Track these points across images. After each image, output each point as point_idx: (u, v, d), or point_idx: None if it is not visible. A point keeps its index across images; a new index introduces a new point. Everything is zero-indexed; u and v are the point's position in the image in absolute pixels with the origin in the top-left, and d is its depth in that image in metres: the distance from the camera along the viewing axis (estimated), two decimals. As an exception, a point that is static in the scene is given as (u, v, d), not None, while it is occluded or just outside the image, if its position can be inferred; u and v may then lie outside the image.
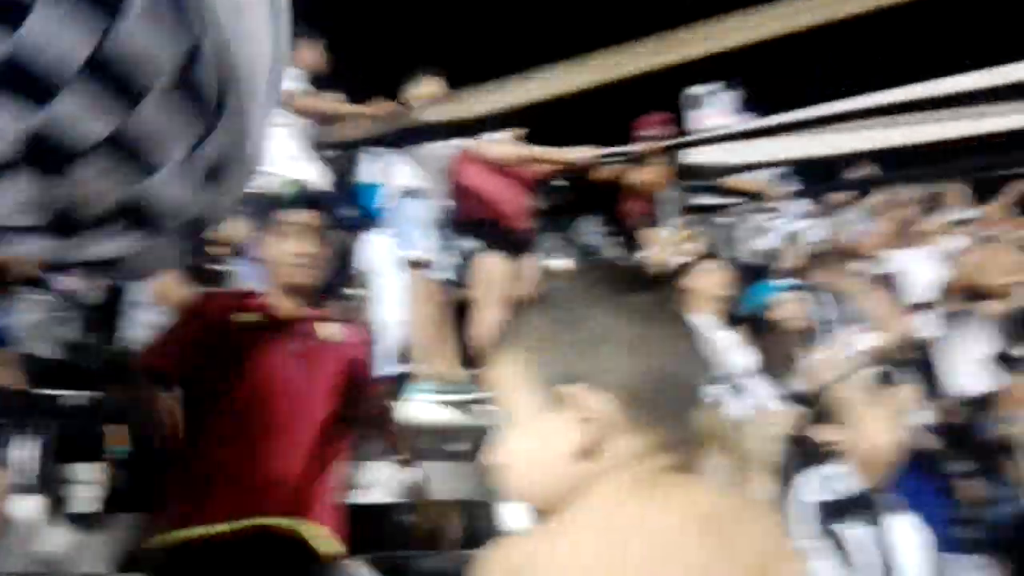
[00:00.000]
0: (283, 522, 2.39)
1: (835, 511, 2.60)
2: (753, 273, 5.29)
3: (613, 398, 0.89)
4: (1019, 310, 5.40)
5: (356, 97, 4.38)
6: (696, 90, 5.74)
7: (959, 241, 6.19)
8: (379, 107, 4.26)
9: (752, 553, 0.85)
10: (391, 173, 4.31)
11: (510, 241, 4.36)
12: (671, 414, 0.90)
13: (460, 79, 3.71)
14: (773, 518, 0.91)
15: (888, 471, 2.62)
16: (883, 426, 2.63)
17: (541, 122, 3.95)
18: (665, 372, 0.89)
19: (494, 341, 0.98)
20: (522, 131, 4.50)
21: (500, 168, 4.39)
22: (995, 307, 5.78)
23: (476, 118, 3.05)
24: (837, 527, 2.58)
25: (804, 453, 2.79)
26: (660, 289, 0.94)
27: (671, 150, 4.52)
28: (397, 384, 4.03)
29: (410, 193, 4.24)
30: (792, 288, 4.67)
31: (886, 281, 6.21)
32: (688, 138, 4.43)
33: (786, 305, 4.50)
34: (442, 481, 3.41)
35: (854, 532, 2.58)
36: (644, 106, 5.34)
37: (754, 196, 5.50)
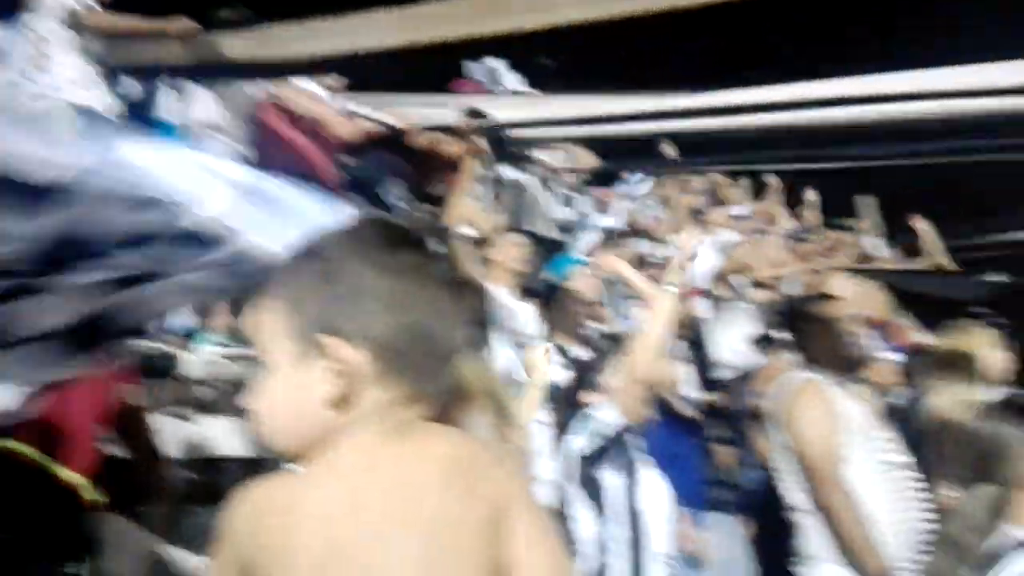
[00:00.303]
0: (28, 450, 2.23)
1: (594, 460, 2.80)
2: (552, 246, 5.48)
3: (367, 351, 0.90)
4: (781, 300, 6.01)
5: (155, 15, 3.99)
6: (495, 63, 5.80)
7: (732, 234, 6.76)
8: (181, 27, 3.89)
9: (491, 498, 0.90)
10: (190, 106, 3.99)
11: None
12: (424, 369, 0.93)
13: (267, 11, 3.48)
14: (514, 466, 0.98)
15: (646, 411, 2.88)
16: (649, 359, 2.88)
17: (355, 72, 3.83)
18: (421, 329, 0.92)
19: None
20: (337, 81, 4.32)
21: (302, 122, 4.22)
22: (761, 295, 6.40)
23: (285, 61, 2.89)
24: (596, 476, 2.79)
25: (574, 411, 2.98)
26: (426, 248, 0.97)
27: (482, 121, 4.53)
28: (187, 337, 3.83)
29: (209, 129, 3.95)
30: (587, 263, 4.89)
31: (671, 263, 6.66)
32: (503, 114, 4.44)
33: (580, 279, 4.72)
34: (225, 437, 3.29)
35: (612, 482, 2.80)
36: (460, 69, 5.39)
37: (557, 171, 5.68)
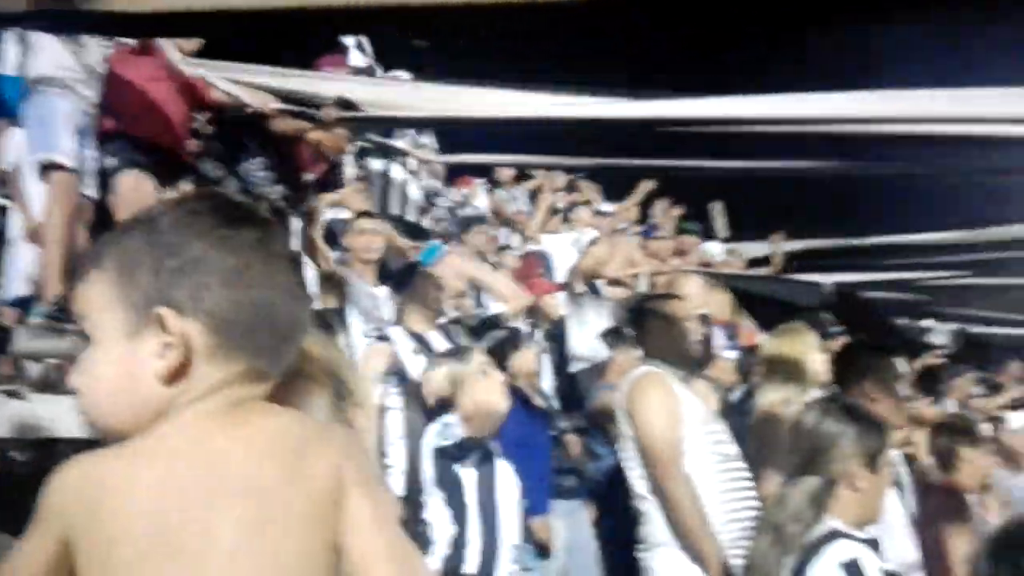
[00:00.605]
0: None
1: (450, 456, 2.84)
2: (416, 232, 5.46)
3: (202, 325, 0.88)
4: (631, 297, 6.25)
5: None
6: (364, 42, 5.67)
7: (590, 232, 6.96)
8: None
9: (323, 479, 0.88)
10: (33, 59, 3.65)
11: (163, 164, 3.91)
12: (263, 347, 0.91)
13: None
14: (352, 447, 0.94)
15: (493, 425, 2.92)
16: (491, 390, 2.92)
17: (213, 34, 3.61)
18: (260, 305, 0.90)
19: (85, 260, 0.94)
20: (192, 43, 4.06)
21: (164, 81, 3.96)
22: (615, 292, 6.63)
23: (139, 14, 2.69)
24: (451, 468, 2.82)
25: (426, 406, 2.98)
26: (266, 226, 0.94)
27: (349, 112, 4.36)
28: (23, 307, 3.54)
29: (54, 85, 3.63)
30: (448, 252, 4.92)
31: (537, 258, 6.79)
32: (369, 98, 4.29)
33: (446, 266, 4.73)
34: (61, 417, 3.07)
35: (466, 473, 2.84)
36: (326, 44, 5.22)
37: (424, 161, 5.65)
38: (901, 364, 3.28)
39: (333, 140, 4.48)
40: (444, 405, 2.92)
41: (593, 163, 3.65)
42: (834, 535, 2.08)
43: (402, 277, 4.02)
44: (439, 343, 3.77)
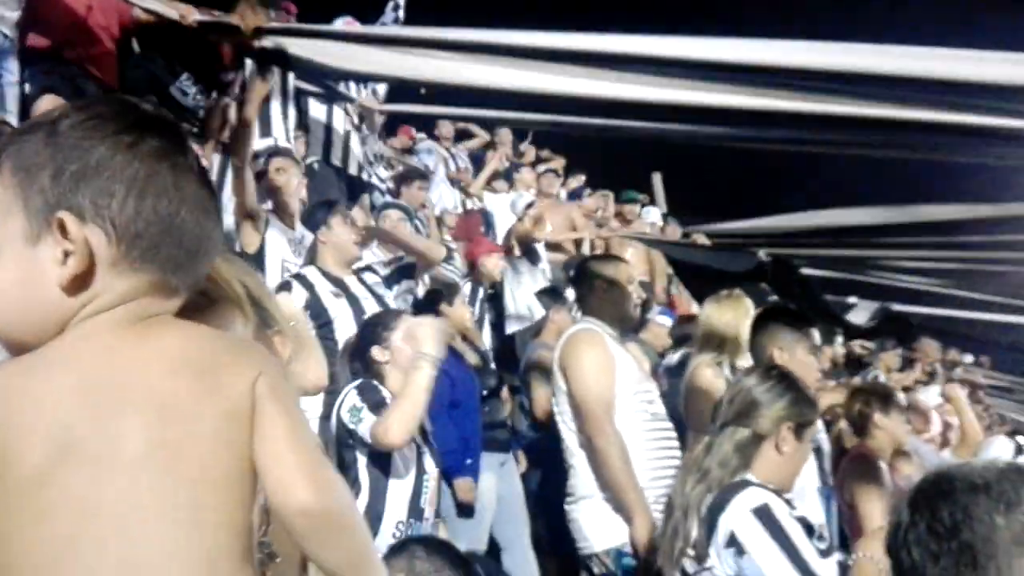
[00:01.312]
0: None
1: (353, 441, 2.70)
2: (356, 185, 5.37)
3: (105, 234, 0.84)
4: (571, 258, 6.30)
5: None
6: None
7: (527, 196, 6.97)
8: None
9: (237, 396, 0.85)
10: None
11: (82, 86, 3.71)
12: (170, 261, 0.87)
13: None
14: (267, 365, 0.89)
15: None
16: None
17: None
18: (165, 217, 0.86)
19: None
20: None
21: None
22: (554, 255, 6.67)
23: None
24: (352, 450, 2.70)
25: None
26: (173, 134, 0.90)
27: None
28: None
29: None
30: (394, 206, 4.87)
31: (478, 217, 6.77)
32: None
33: (389, 220, 4.69)
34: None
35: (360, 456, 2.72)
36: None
37: (365, 111, 5.50)
38: (815, 335, 3.27)
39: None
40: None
41: (543, 120, 3.58)
42: (745, 483, 2.17)
43: (319, 214, 3.85)
44: (357, 288, 3.71)
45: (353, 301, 3.62)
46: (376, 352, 2.81)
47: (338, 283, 3.66)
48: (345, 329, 3.44)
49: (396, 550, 1.67)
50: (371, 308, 3.57)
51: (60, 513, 0.78)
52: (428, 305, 4.26)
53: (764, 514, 2.09)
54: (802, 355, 3.05)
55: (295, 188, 4.09)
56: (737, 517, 2.10)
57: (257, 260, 3.70)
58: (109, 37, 3.75)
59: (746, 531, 2.08)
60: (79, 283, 0.84)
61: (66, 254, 0.84)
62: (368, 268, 4.01)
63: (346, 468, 2.64)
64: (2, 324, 0.87)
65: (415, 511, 2.65)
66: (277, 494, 0.85)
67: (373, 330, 2.90)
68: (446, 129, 8.24)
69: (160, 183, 0.86)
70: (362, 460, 2.65)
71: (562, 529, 3.12)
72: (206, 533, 0.81)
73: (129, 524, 0.79)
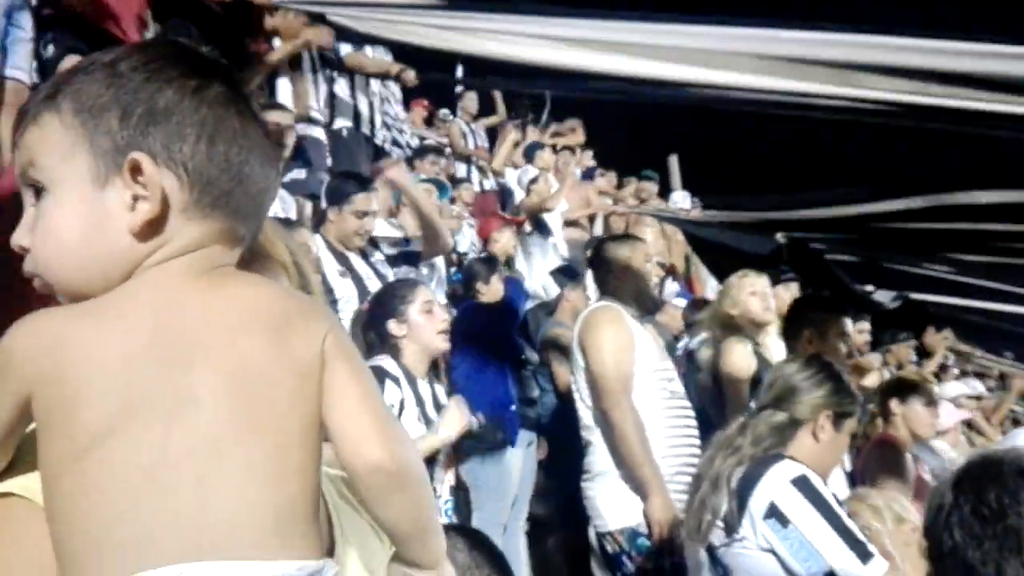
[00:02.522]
0: None
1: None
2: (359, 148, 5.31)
3: (177, 179, 0.81)
4: (592, 239, 6.26)
5: None
6: None
7: (531, 171, 6.93)
8: None
9: (308, 353, 0.82)
10: None
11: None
12: (238, 207, 0.84)
13: None
14: (334, 324, 0.87)
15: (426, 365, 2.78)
16: (431, 329, 2.77)
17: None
18: (235, 164, 0.83)
19: (35, 101, 0.83)
20: None
21: None
22: (570, 233, 6.62)
23: None
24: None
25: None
26: (235, 81, 0.87)
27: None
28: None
29: None
30: (427, 180, 4.84)
31: (495, 194, 6.73)
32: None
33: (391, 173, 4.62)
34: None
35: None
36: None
37: (386, 77, 5.45)
38: (847, 323, 3.34)
39: (290, 27, 4.25)
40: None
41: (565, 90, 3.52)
42: (779, 456, 2.14)
43: (342, 190, 3.77)
44: (361, 267, 3.66)
45: (358, 281, 3.58)
46: (393, 326, 2.76)
47: (343, 260, 3.62)
48: (350, 309, 3.41)
49: None
50: (375, 288, 3.49)
51: (130, 465, 0.74)
52: (467, 282, 4.23)
53: (804, 484, 2.06)
54: (833, 340, 3.05)
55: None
56: (777, 488, 2.06)
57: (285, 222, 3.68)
58: (135, 7, 3.71)
59: (788, 501, 2.04)
60: (151, 229, 0.80)
61: (135, 198, 0.80)
62: (374, 243, 3.94)
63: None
64: (64, 272, 0.82)
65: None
66: (349, 451, 0.83)
67: (389, 301, 2.83)
68: (470, 103, 8.14)
69: (229, 129, 0.83)
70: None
71: (568, 506, 3.10)
72: (280, 489, 0.78)
73: (201, 477, 0.75)
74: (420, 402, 2.70)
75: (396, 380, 2.67)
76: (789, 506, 2.04)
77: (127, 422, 0.75)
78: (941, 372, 7.67)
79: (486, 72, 3.63)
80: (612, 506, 2.88)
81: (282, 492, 0.78)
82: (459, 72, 5.39)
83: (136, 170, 0.79)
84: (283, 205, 4.11)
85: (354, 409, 0.83)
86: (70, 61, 3.53)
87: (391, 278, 3.83)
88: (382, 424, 0.85)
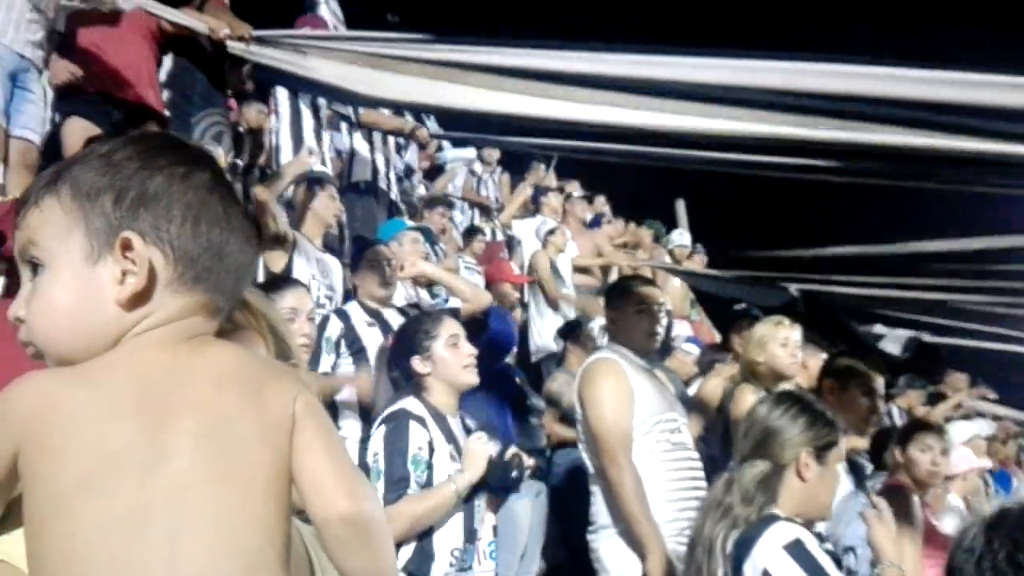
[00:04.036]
0: None
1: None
2: (387, 206, 5.39)
3: (163, 256, 0.90)
4: (604, 285, 6.30)
5: None
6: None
7: (550, 221, 6.98)
8: None
9: (279, 410, 0.89)
10: None
11: (108, 111, 3.72)
12: (219, 284, 0.93)
13: None
14: (302, 385, 0.94)
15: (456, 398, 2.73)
16: (457, 362, 2.70)
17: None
18: (217, 245, 0.92)
19: (38, 186, 0.93)
20: None
21: (119, 23, 3.77)
22: (580, 279, 6.66)
23: None
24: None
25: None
26: (217, 168, 0.98)
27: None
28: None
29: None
30: (414, 229, 4.87)
31: (503, 244, 6.79)
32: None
33: (405, 243, 4.67)
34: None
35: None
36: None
37: (400, 134, 5.55)
38: (877, 380, 3.30)
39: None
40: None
41: (567, 145, 3.58)
42: (773, 518, 2.10)
43: (356, 252, 3.89)
44: (392, 317, 3.70)
45: (386, 329, 3.60)
46: (417, 363, 2.65)
47: (374, 314, 3.69)
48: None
49: None
50: None
51: (107, 517, 0.81)
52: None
53: (797, 550, 2.02)
54: (855, 393, 3.06)
55: (325, 210, 4.13)
56: (769, 554, 2.02)
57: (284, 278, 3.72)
58: (133, 63, 3.83)
59: (781, 569, 2.00)
60: (137, 300, 0.89)
61: (124, 273, 0.88)
62: (415, 306, 4.02)
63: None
64: (55, 340, 0.90)
65: (470, 534, 2.53)
66: (318, 504, 0.90)
67: (414, 337, 2.73)
68: (492, 154, 8.23)
69: (212, 212, 0.93)
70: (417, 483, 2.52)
71: (578, 558, 3.08)
72: (252, 542, 0.84)
73: (174, 528, 0.81)
74: (452, 439, 2.60)
75: (421, 420, 2.55)
76: (783, 574, 2.00)
77: (106, 475, 0.82)
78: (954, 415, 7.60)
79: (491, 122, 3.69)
80: (616, 559, 2.86)
81: (252, 541, 0.84)
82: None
83: (127, 247, 0.89)
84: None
85: (323, 465, 0.90)
86: (73, 121, 3.67)
87: None
88: (349, 479, 0.92)
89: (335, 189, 4.34)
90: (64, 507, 0.81)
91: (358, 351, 3.53)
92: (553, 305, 5.87)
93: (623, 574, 2.83)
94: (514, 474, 2.58)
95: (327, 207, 4.13)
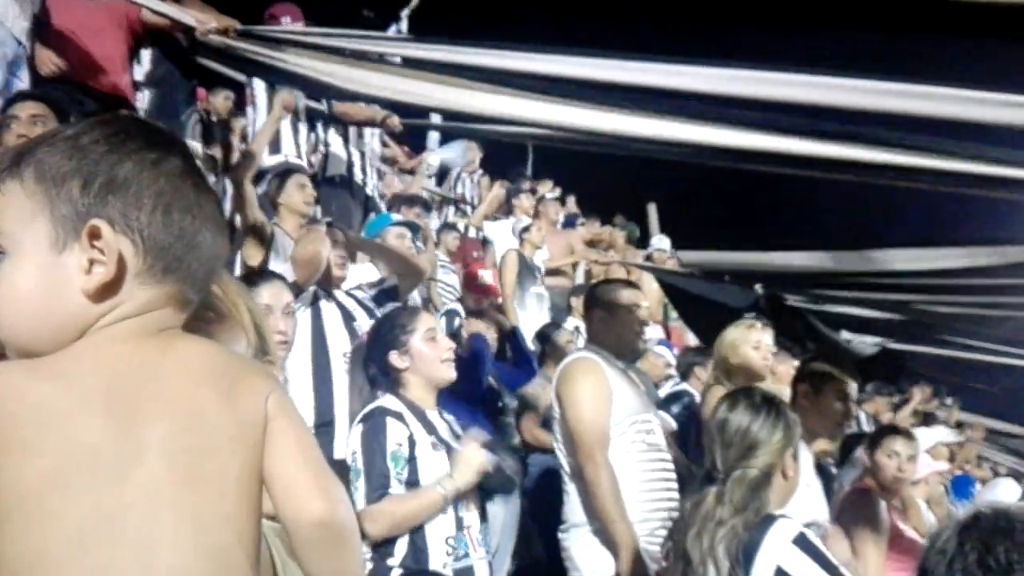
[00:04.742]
0: None
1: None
2: (351, 198, 5.34)
3: (133, 245, 0.86)
4: (579, 287, 6.31)
5: None
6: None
7: (524, 220, 6.98)
8: None
9: (252, 407, 0.88)
10: None
11: (86, 106, 3.60)
12: (189, 275, 0.90)
13: None
14: (274, 381, 0.94)
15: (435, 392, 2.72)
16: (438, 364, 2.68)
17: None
18: (188, 234, 0.89)
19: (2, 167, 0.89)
20: None
21: (100, 16, 3.71)
22: (553, 281, 6.67)
23: None
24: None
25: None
26: (189, 155, 0.93)
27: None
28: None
29: None
30: (400, 224, 4.85)
31: (475, 242, 6.77)
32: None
33: (390, 237, 4.65)
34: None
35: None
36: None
37: (372, 124, 5.48)
38: (850, 385, 3.30)
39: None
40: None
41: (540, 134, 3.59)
42: (772, 517, 2.14)
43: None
44: (359, 314, 3.60)
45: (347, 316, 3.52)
46: (395, 359, 2.62)
47: (343, 308, 3.56)
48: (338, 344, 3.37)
49: None
50: (361, 318, 3.48)
51: (79, 516, 0.78)
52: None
53: (804, 542, 2.08)
54: (829, 398, 3.14)
55: (295, 199, 4.06)
56: (780, 551, 2.06)
57: (260, 272, 3.66)
58: (109, 54, 3.76)
59: (793, 563, 2.05)
60: (105, 291, 0.85)
61: (91, 262, 0.84)
62: (355, 289, 3.94)
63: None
64: (18, 331, 0.86)
65: (458, 521, 2.51)
66: (290, 506, 0.89)
67: (390, 332, 2.69)
68: (474, 155, 8.19)
69: (184, 200, 0.89)
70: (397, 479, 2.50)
71: (551, 558, 3.08)
72: (223, 541, 0.83)
73: (148, 528, 0.79)
74: (432, 430, 2.58)
75: (399, 416, 2.53)
76: (795, 567, 2.05)
77: (77, 473, 0.79)
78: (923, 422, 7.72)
79: (464, 119, 3.70)
80: (588, 559, 2.87)
81: (224, 541, 0.83)
82: (435, 118, 5.46)
83: (95, 235, 0.85)
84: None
85: (297, 467, 0.89)
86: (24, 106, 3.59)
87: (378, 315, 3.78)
88: (324, 482, 0.91)
89: (306, 177, 4.27)
90: (34, 505, 0.78)
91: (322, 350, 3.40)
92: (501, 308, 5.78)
93: (595, 573, 2.84)
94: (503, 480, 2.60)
95: (294, 196, 4.03)
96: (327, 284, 3.47)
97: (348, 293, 3.70)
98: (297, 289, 3.22)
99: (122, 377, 0.84)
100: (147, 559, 0.79)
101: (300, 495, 0.88)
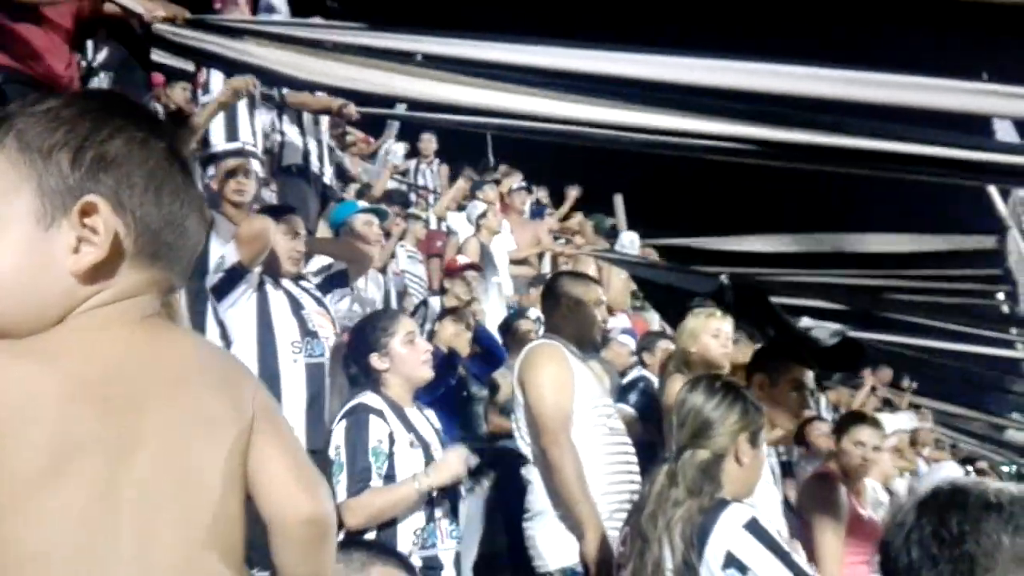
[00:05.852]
0: None
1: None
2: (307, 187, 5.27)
3: (129, 226, 0.82)
4: (539, 276, 6.31)
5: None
6: None
7: (480, 206, 6.95)
8: None
9: (243, 406, 0.86)
10: None
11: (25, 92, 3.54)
12: (177, 262, 0.87)
13: None
14: (256, 379, 0.92)
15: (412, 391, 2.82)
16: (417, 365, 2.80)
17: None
18: (177, 217, 0.85)
19: None
20: None
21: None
22: (518, 270, 6.67)
23: None
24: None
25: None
26: (175, 136, 0.91)
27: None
28: None
29: None
30: (367, 211, 4.83)
31: (439, 233, 6.74)
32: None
33: (357, 224, 4.62)
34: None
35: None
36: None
37: (327, 112, 5.40)
38: (806, 374, 3.28)
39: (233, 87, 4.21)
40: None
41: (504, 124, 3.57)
42: (725, 502, 2.14)
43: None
44: (307, 302, 3.53)
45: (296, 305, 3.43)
46: (376, 360, 2.75)
47: (290, 296, 3.46)
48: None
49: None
50: (310, 306, 3.41)
51: (74, 510, 0.74)
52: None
53: (756, 527, 2.07)
54: (784, 388, 3.13)
55: (249, 190, 3.98)
56: (730, 535, 2.06)
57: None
58: (50, 38, 3.63)
59: (743, 548, 2.04)
60: (94, 273, 0.80)
61: (80, 241, 0.79)
62: (300, 277, 3.87)
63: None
64: (0, 308, 0.80)
65: (428, 515, 2.62)
66: (278, 504, 0.87)
67: (371, 334, 2.81)
68: (428, 146, 8.19)
69: (174, 184, 0.85)
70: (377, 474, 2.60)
71: (516, 546, 3.08)
72: (215, 537, 0.81)
73: (144, 525, 0.76)
74: (411, 427, 2.72)
75: (380, 413, 2.66)
76: (745, 553, 2.04)
77: (71, 464, 0.74)
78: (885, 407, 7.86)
79: (427, 109, 3.67)
80: (551, 546, 2.87)
81: (215, 537, 0.80)
82: (400, 108, 5.40)
83: (87, 213, 0.79)
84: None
85: (283, 465, 0.87)
86: None
87: (329, 303, 3.72)
88: (310, 480, 0.90)
89: (253, 165, 4.19)
90: (23, 499, 0.73)
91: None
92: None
93: (558, 559, 2.84)
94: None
95: (230, 185, 3.93)
96: (275, 272, 3.40)
97: (294, 280, 3.63)
98: (242, 270, 3.19)
99: (115, 366, 0.79)
100: (144, 555, 0.76)
101: (290, 495, 0.87)
